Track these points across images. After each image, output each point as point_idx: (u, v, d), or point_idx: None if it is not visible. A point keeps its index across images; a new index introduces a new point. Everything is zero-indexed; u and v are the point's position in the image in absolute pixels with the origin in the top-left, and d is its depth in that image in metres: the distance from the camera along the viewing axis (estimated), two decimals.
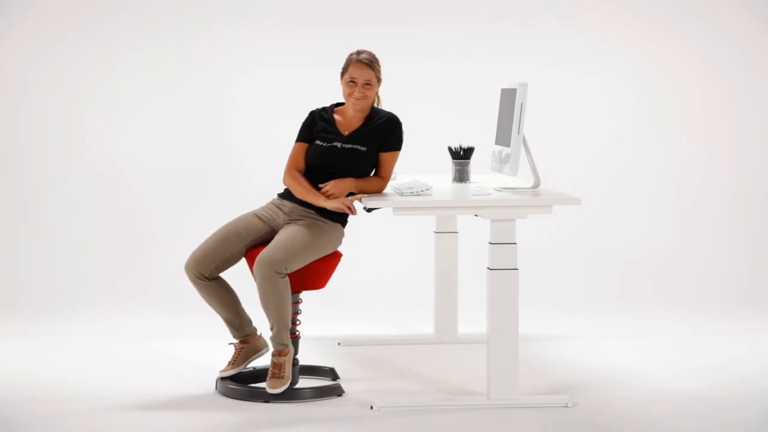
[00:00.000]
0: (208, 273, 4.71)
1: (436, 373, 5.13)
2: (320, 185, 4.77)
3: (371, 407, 4.54)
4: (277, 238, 4.67)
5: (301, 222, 4.75)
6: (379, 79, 4.84)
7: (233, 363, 4.81)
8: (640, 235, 7.15)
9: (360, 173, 4.80)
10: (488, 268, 4.51)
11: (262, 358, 4.92)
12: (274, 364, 4.63)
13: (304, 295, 4.83)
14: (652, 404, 4.63)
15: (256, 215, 4.83)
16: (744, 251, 7.07)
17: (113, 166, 7.08)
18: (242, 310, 4.83)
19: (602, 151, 7.21)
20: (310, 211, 4.78)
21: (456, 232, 5.73)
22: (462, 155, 5.27)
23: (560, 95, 7.15)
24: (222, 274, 4.78)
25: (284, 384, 4.60)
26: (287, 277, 4.59)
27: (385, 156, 4.83)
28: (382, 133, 4.82)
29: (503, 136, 4.90)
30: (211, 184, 7.11)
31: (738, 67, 7.19)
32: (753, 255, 7.06)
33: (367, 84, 4.80)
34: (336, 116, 4.89)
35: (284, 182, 4.84)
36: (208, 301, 4.78)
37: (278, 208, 4.84)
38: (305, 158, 4.84)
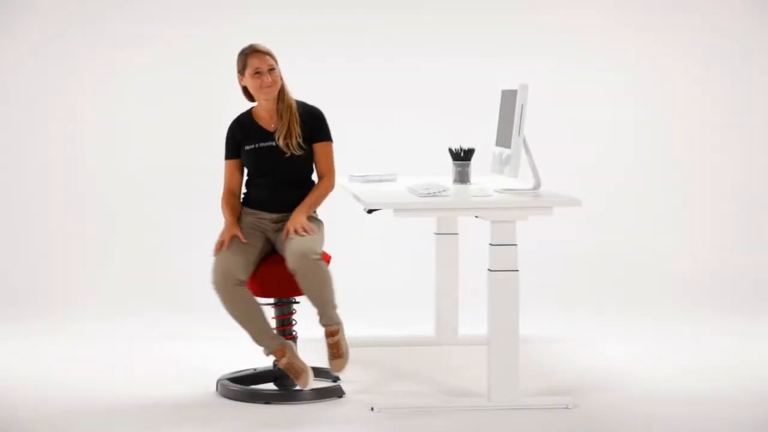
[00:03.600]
0: (244, 276, 4.65)
1: (436, 374, 5.13)
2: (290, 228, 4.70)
3: (371, 409, 4.54)
4: (292, 236, 4.66)
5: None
6: (277, 64, 4.82)
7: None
8: (640, 235, 7.15)
9: (303, 172, 4.85)
10: (489, 269, 4.51)
11: (266, 359, 4.91)
12: (330, 345, 4.65)
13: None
14: (654, 406, 4.63)
15: (251, 228, 4.81)
16: (745, 251, 7.07)
17: (116, 164, 7.07)
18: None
19: (603, 152, 7.20)
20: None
21: (456, 234, 5.73)
22: (462, 157, 5.27)
23: (561, 96, 7.14)
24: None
25: (346, 361, 4.68)
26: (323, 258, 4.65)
27: (318, 147, 4.85)
28: (311, 124, 4.84)
29: (504, 138, 4.90)
30: (215, 183, 7.07)
31: (738, 66, 7.18)
32: (754, 255, 7.05)
33: (272, 70, 4.78)
34: (255, 118, 4.87)
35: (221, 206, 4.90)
36: (245, 313, 4.65)
37: (261, 219, 4.83)
38: (241, 170, 4.90)
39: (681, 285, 6.87)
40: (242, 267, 4.65)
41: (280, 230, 4.79)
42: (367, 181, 5.36)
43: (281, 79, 4.84)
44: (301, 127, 4.82)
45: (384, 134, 7.09)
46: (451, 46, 7.14)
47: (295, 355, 4.67)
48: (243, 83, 4.83)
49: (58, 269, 6.87)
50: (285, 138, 4.79)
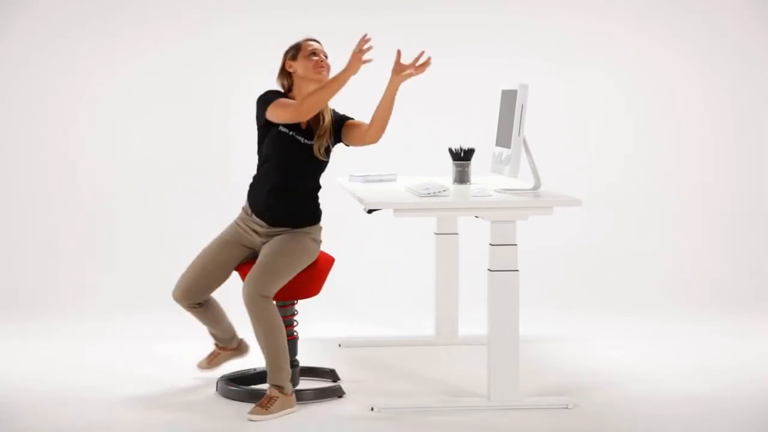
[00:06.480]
0: (200, 300, 4.73)
1: (436, 374, 5.13)
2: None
3: (372, 409, 4.54)
4: (258, 260, 4.58)
5: (277, 238, 4.67)
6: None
7: (210, 362, 4.98)
8: (639, 234, 7.15)
9: (312, 181, 4.78)
10: (489, 269, 4.51)
11: (260, 359, 4.91)
12: (266, 394, 4.50)
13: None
14: (654, 406, 4.63)
15: (232, 242, 4.72)
16: (745, 251, 7.07)
17: (116, 164, 7.07)
18: (228, 324, 4.90)
19: (602, 152, 7.20)
20: (284, 228, 4.69)
21: (456, 234, 5.73)
22: (462, 156, 5.27)
23: (561, 96, 7.15)
24: None
25: (264, 417, 4.40)
26: (273, 302, 4.51)
27: (351, 122, 4.89)
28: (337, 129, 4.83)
29: (504, 138, 4.90)
30: (216, 183, 7.09)
31: (738, 66, 7.19)
32: (753, 254, 7.05)
33: (326, 56, 4.80)
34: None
35: (303, 109, 4.54)
36: (201, 321, 4.84)
37: (252, 230, 4.71)
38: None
39: (681, 285, 6.87)
40: (202, 292, 4.71)
41: (265, 243, 4.68)
42: (367, 181, 5.36)
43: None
44: (331, 135, 4.77)
45: (384, 134, 7.07)
46: (451, 46, 7.14)
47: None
48: (293, 68, 4.72)
49: (57, 269, 6.86)
50: (318, 139, 4.71)
